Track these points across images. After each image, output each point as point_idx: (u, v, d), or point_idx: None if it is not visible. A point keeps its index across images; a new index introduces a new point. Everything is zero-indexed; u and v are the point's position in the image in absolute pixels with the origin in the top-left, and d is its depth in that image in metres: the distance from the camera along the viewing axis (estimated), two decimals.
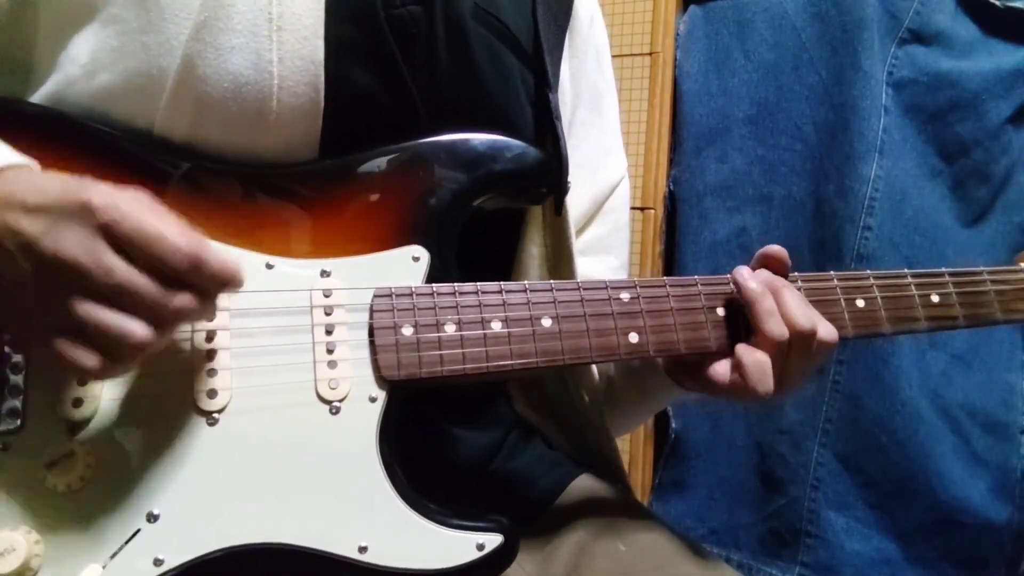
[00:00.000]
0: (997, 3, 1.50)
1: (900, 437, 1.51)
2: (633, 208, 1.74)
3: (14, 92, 0.66)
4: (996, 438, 1.51)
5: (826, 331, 0.70)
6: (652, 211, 1.74)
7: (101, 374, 0.51)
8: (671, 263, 1.78)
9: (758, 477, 1.68)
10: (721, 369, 0.71)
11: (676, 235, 1.78)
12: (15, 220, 0.50)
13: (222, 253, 0.53)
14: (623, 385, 0.87)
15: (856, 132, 1.54)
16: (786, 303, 0.69)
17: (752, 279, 0.70)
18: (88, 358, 0.50)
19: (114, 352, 0.51)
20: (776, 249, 0.73)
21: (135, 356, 0.52)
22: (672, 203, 1.78)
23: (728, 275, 0.73)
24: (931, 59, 1.52)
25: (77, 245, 0.49)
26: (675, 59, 1.77)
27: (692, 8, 1.77)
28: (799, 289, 0.73)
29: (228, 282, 0.54)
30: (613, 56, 1.71)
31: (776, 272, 0.73)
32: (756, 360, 0.68)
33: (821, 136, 1.60)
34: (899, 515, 1.53)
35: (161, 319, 0.51)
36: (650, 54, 1.74)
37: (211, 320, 0.58)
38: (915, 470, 1.50)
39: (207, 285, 0.53)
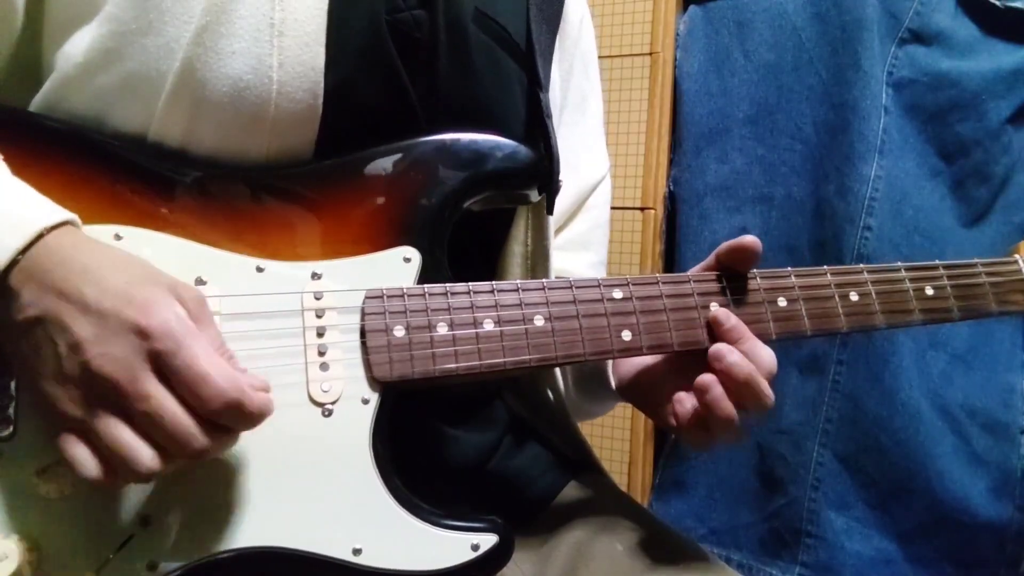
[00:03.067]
0: (997, 3, 1.50)
1: (900, 437, 1.51)
2: (633, 208, 1.74)
3: (22, 94, 0.66)
4: (996, 438, 1.51)
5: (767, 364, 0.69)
6: (652, 211, 1.74)
7: (95, 483, 0.52)
8: (671, 263, 1.78)
9: (758, 477, 1.68)
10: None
11: (676, 235, 1.78)
12: (69, 315, 0.51)
13: (260, 392, 0.54)
14: (581, 387, 0.89)
15: (856, 132, 1.54)
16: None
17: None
18: (89, 465, 0.51)
19: (117, 469, 0.51)
20: (745, 242, 0.71)
21: (135, 480, 0.54)
22: (672, 203, 1.78)
23: (720, 273, 0.73)
24: (931, 59, 1.52)
25: (121, 363, 0.50)
26: (675, 59, 1.77)
27: (692, 8, 1.77)
28: (792, 287, 0.73)
29: (261, 419, 0.54)
30: (613, 56, 1.72)
31: (743, 263, 0.73)
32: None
33: (821, 136, 1.60)
34: (899, 515, 1.53)
35: (177, 453, 0.52)
36: (650, 54, 1.74)
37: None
38: (915, 470, 1.50)
39: (238, 425, 0.54)
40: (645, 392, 0.78)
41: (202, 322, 0.54)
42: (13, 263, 0.52)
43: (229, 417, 0.52)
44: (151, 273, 0.54)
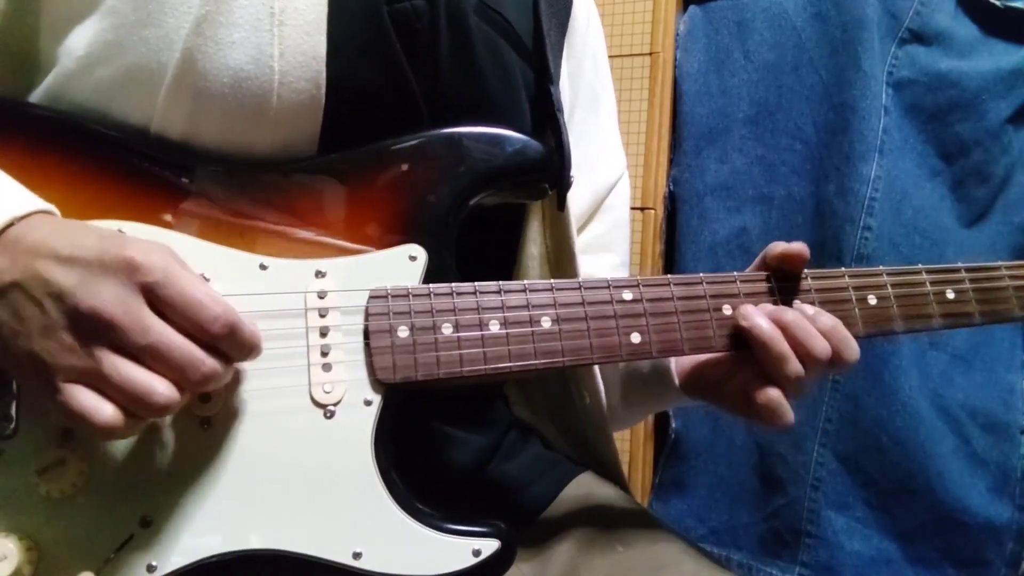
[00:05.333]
0: (997, 3, 1.50)
1: (900, 437, 1.51)
2: (633, 208, 1.73)
3: (19, 88, 0.65)
4: (996, 438, 1.51)
5: (849, 353, 0.69)
6: (652, 211, 1.74)
7: (112, 431, 0.51)
8: (671, 263, 1.78)
9: (758, 477, 1.67)
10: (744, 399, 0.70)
11: (676, 235, 1.78)
12: (46, 269, 0.50)
13: (247, 322, 0.54)
14: (636, 391, 0.87)
15: (856, 132, 1.53)
16: (799, 339, 0.67)
17: (761, 317, 0.68)
18: (105, 411, 0.50)
19: (133, 410, 0.50)
20: (795, 249, 0.71)
21: (153, 416, 0.53)
22: (672, 203, 1.78)
23: (734, 273, 0.72)
24: (931, 59, 1.52)
25: (115, 300, 0.50)
26: (675, 59, 1.76)
27: (692, 8, 1.77)
28: (808, 290, 0.72)
29: (253, 350, 0.55)
30: (613, 56, 1.72)
31: (791, 270, 0.72)
32: (771, 398, 0.67)
33: (821, 136, 1.60)
34: (899, 515, 1.53)
35: (188, 382, 0.52)
36: (650, 54, 1.74)
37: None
38: (915, 470, 1.50)
39: (235, 353, 0.54)
40: (711, 384, 0.76)
41: (180, 263, 0.54)
42: None
43: (228, 341, 0.53)
44: (118, 233, 0.55)
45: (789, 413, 0.67)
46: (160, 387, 0.50)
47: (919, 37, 1.53)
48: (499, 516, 0.64)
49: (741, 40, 1.69)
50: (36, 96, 0.64)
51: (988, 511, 1.48)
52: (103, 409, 0.50)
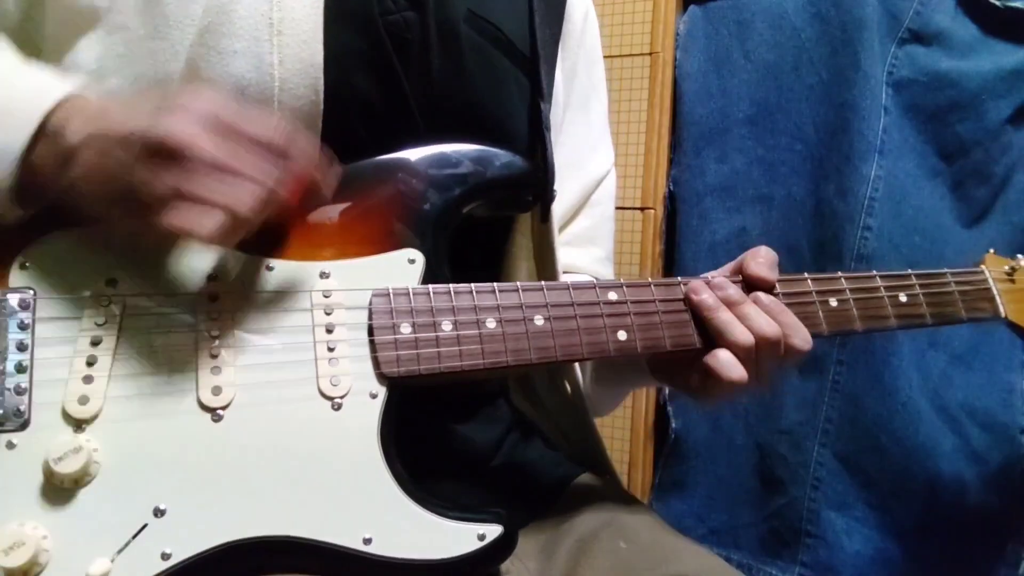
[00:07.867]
0: (997, 3, 1.50)
1: (900, 437, 1.51)
2: (633, 208, 1.74)
3: None
4: (996, 438, 1.51)
5: (798, 338, 0.73)
6: (652, 211, 1.74)
7: (215, 237, 0.53)
8: (671, 263, 1.79)
9: (758, 477, 1.68)
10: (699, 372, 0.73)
11: (676, 235, 1.78)
12: (116, 118, 0.54)
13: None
14: (607, 371, 0.90)
15: (856, 132, 1.54)
16: (746, 313, 0.72)
17: (707, 292, 0.73)
18: (205, 221, 0.52)
19: (236, 208, 0.53)
20: (767, 277, 0.75)
21: (250, 216, 0.54)
22: (672, 203, 1.78)
23: (708, 275, 0.76)
24: (931, 59, 1.52)
25: (185, 128, 0.52)
26: (675, 59, 1.77)
27: (692, 8, 1.77)
28: (776, 294, 0.75)
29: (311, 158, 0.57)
30: (613, 56, 1.72)
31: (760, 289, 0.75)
32: (719, 358, 0.71)
33: (821, 136, 1.61)
34: (899, 515, 1.53)
35: (267, 185, 0.54)
36: (650, 54, 1.74)
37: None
38: (915, 470, 1.50)
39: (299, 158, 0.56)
40: (677, 367, 0.78)
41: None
42: (57, 105, 0.55)
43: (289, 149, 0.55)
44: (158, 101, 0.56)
45: (739, 367, 0.71)
46: (242, 192, 0.53)
47: (919, 37, 1.53)
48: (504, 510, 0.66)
49: (741, 40, 1.70)
50: None
51: (988, 510, 1.49)
52: (203, 219, 0.52)
